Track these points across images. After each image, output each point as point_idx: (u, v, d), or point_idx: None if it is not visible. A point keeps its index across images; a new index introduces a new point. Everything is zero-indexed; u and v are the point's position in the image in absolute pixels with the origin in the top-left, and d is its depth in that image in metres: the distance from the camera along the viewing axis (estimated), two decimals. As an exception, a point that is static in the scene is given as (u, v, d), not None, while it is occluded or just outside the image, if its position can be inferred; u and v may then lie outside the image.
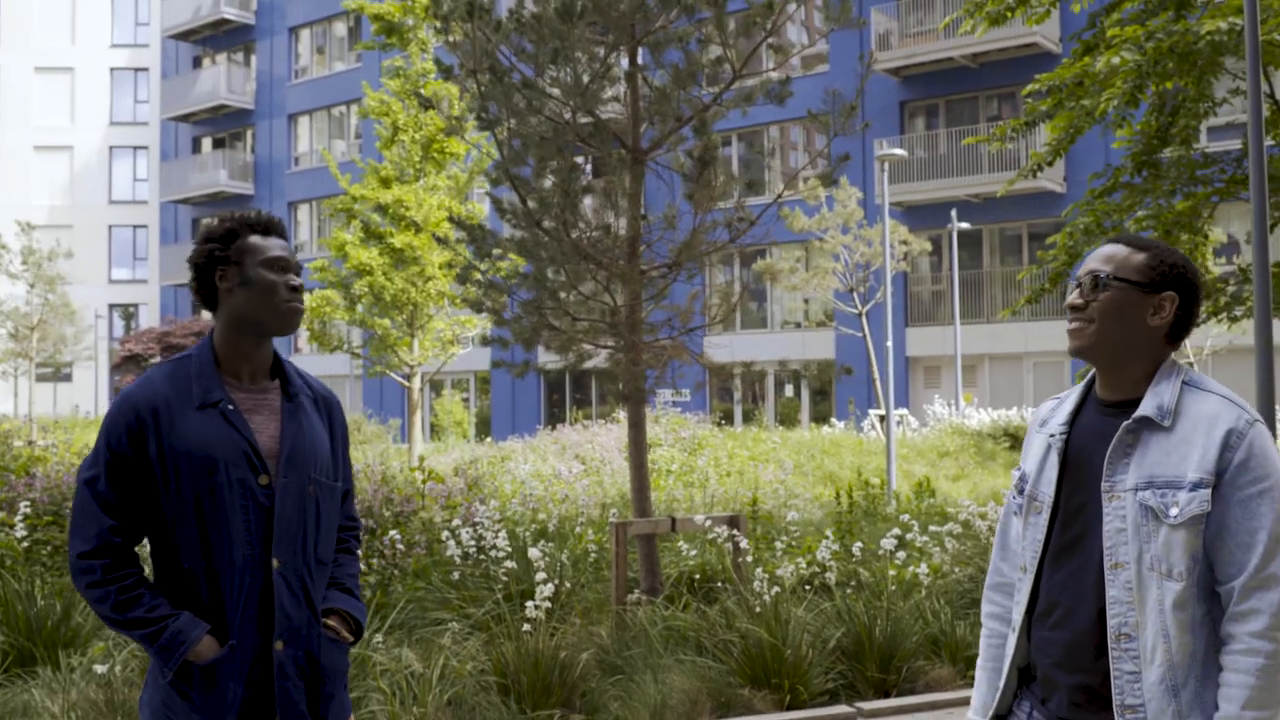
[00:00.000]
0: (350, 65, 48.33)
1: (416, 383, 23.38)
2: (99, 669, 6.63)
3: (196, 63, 54.53)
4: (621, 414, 24.65)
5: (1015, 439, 25.02)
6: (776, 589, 7.76)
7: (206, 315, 53.26)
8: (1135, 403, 2.61)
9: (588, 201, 8.69)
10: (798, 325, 37.94)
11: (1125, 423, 2.57)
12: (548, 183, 8.53)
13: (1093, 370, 2.77)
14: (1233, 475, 2.46)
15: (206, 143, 54.24)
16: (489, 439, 33.30)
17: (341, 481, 3.30)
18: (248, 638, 3.00)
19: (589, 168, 8.80)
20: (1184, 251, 12.66)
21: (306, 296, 23.22)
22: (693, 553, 9.45)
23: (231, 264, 3.11)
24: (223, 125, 53.00)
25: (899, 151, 20.68)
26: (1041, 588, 2.70)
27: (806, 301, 36.51)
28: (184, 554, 3.00)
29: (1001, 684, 2.79)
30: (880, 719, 7.31)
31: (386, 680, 6.65)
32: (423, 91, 21.41)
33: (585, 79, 8.17)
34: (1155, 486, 2.50)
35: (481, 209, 22.69)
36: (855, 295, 30.74)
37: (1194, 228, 12.26)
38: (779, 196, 8.90)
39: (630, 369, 8.40)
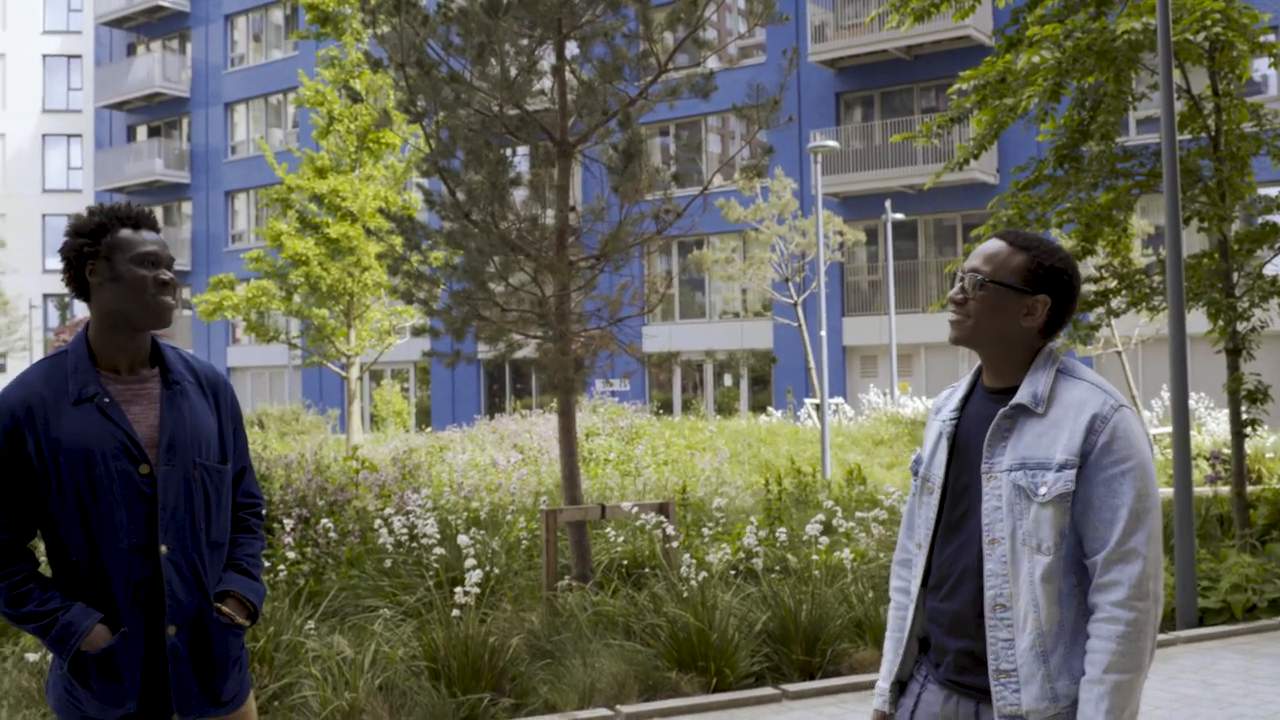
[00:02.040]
0: (287, 53, 47.96)
1: (354, 373, 23.36)
2: (31, 657, 6.67)
3: (131, 50, 53.85)
4: (559, 404, 24.74)
5: (948, 427, 25.33)
6: (704, 574, 7.91)
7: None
8: (1016, 390, 2.80)
9: (517, 193, 8.79)
10: (736, 315, 38.18)
11: (1003, 409, 2.76)
12: (477, 175, 8.62)
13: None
14: (1097, 456, 2.65)
15: (142, 131, 53.59)
16: (429, 429, 33.29)
17: (232, 462, 3.33)
18: (139, 624, 3.06)
19: (518, 160, 8.89)
20: (1106, 243, 12.94)
21: (242, 287, 23.15)
22: (620, 539, 9.58)
23: (101, 259, 3.11)
24: (158, 113, 52.40)
25: (831, 143, 20.92)
26: (933, 562, 2.90)
27: (744, 292, 36.74)
28: (71, 547, 3.06)
29: (902, 652, 2.99)
30: (805, 700, 7.48)
31: (318, 666, 6.73)
32: (357, 82, 21.42)
33: (513, 72, 8.27)
34: (1027, 467, 2.70)
35: (418, 199, 22.70)
36: (791, 285, 30.99)
37: (1114, 220, 12.53)
38: (705, 189, 9.05)
39: (559, 359, 8.53)
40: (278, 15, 49.24)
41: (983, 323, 2.79)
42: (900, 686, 3.02)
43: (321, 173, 21.77)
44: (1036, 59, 10.47)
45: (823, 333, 21.11)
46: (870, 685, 7.74)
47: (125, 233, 3.12)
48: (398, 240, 9.22)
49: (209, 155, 50.23)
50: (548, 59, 8.63)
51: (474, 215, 8.36)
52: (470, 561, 7.26)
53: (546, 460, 18.25)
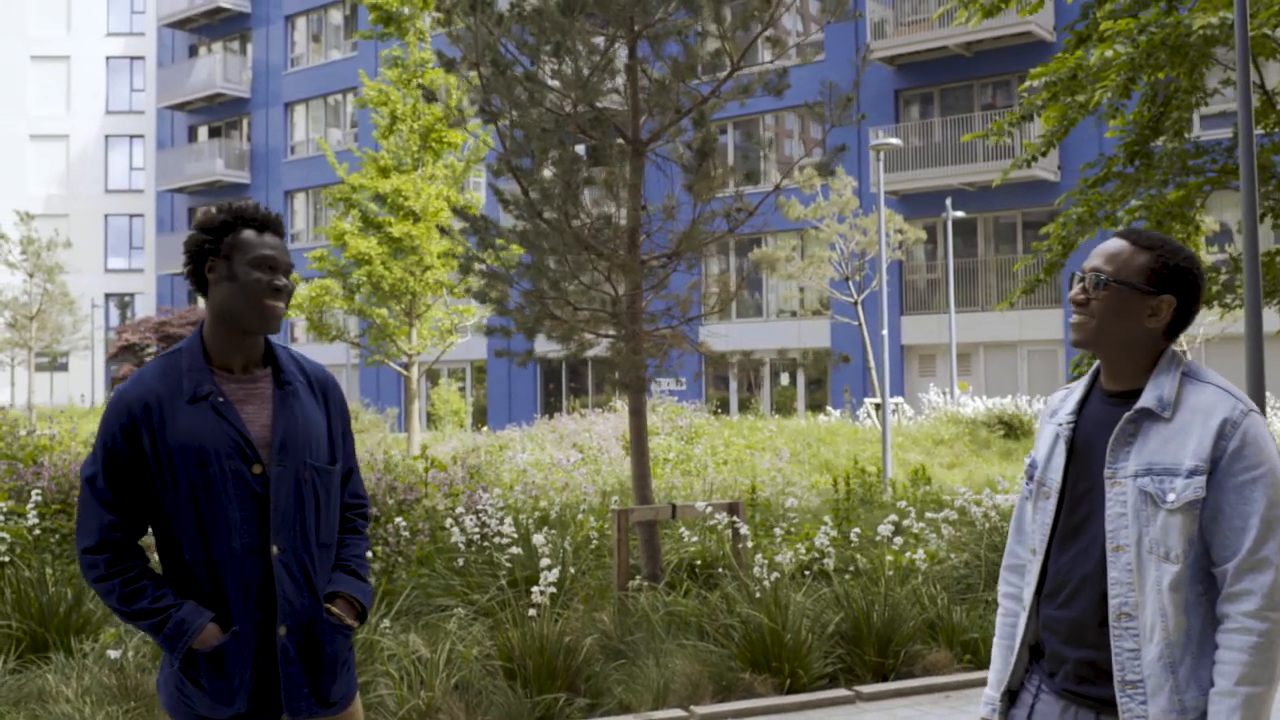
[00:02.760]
0: (346, 54, 48.34)
1: (415, 372, 23.45)
2: (112, 654, 6.74)
3: (192, 51, 54.50)
4: (619, 403, 24.77)
5: (1010, 427, 25.12)
6: (776, 575, 7.88)
7: (203, 305, 53.24)
8: (1137, 393, 2.73)
9: (588, 192, 8.79)
10: (793, 314, 38.04)
11: (1127, 413, 2.69)
12: (548, 173, 8.64)
13: (1098, 361, 2.89)
14: (1228, 463, 2.58)
15: (203, 131, 54.22)
16: (485, 428, 33.42)
17: (340, 463, 3.33)
18: (250, 624, 3.07)
19: (586, 159, 8.89)
20: (1176, 241, 12.79)
21: (304, 286, 23.33)
22: (694, 539, 9.57)
23: (220, 257, 3.12)
24: (219, 114, 52.98)
25: (894, 141, 20.74)
26: (1049, 569, 2.83)
27: (802, 290, 36.60)
28: (184, 545, 3.07)
29: (1013, 660, 2.93)
30: (879, 702, 7.44)
31: (394, 665, 6.77)
32: (421, 81, 21.50)
33: (585, 71, 8.27)
34: (1154, 473, 2.63)
35: (479, 198, 22.76)
36: (851, 284, 30.84)
37: (1186, 217, 12.38)
38: (778, 186, 9.02)
39: (631, 358, 8.52)
40: (337, 16, 49.62)
41: (1106, 324, 2.74)
42: (1010, 696, 2.95)
43: (384, 172, 21.87)
44: (1110, 54, 10.34)
45: (884, 331, 20.98)
46: (944, 687, 7.72)
47: (248, 234, 3.14)
48: (465, 240, 9.24)
49: (269, 155, 50.73)
50: (621, 57, 8.62)
51: (546, 214, 8.37)
52: (546, 561, 7.27)
53: (607, 460, 18.27)
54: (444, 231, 9.53)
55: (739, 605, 7.76)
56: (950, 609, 8.28)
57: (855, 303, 30.79)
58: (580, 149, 8.83)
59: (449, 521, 9.11)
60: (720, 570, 9.02)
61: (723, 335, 10.30)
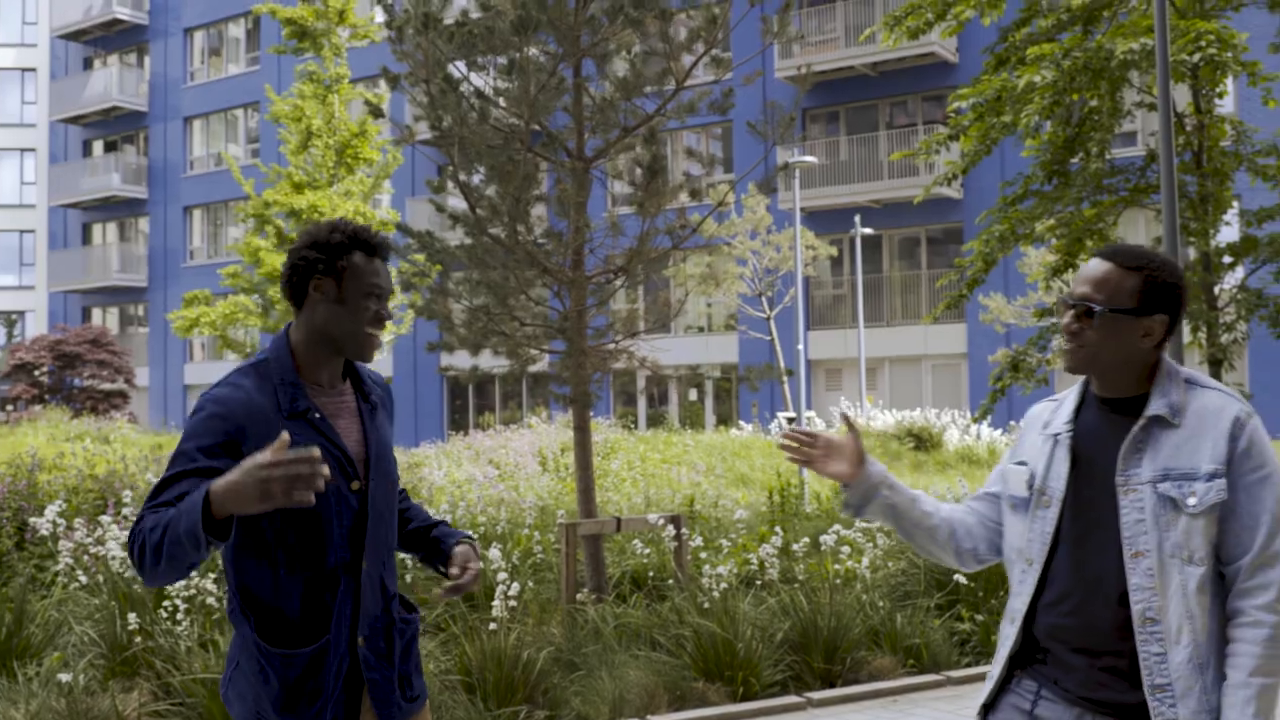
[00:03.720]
0: (246, 68, 47.74)
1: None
2: (63, 678, 6.63)
3: (87, 64, 53.38)
4: (534, 420, 24.78)
5: (919, 439, 25.56)
6: (725, 585, 8.00)
7: (98, 322, 50.81)
8: (1135, 400, 2.80)
9: (535, 209, 8.85)
10: (701, 330, 38.31)
11: (1139, 421, 2.76)
12: (491, 190, 8.69)
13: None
14: (1237, 462, 2.68)
15: (98, 145, 53.06)
16: (394, 445, 33.15)
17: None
18: (342, 638, 2.98)
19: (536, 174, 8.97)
20: (1088, 257, 13.20)
21: (219, 303, 23.00)
22: (646, 552, 9.64)
23: (330, 277, 3.03)
24: (115, 128, 51.92)
25: (810, 159, 21.08)
26: (1050, 577, 2.85)
27: (710, 306, 36.88)
28: (284, 562, 2.96)
29: (998, 673, 2.94)
30: (829, 708, 7.58)
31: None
32: (335, 97, 21.38)
33: (533, 90, 8.33)
34: (1172, 478, 2.69)
35: (395, 214, 22.63)
36: (764, 300, 31.15)
37: (1101, 234, 12.78)
38: (721, 202, 9.17)
39: (578, 373, 8.59)
40: (237, 30, 48.98)
41: (1103, 352, 2.79)
42: (986, 710, 2.96)
43: (299, 188, 21.62)
44: (1037, 78, 10.66)
45: (800, 346, 21.28)
46: (890, 692, 7.90)
47: (359, 258, 3.04)
48: (412, 257, 9.25)
49: (167, 170, 49.82)
50: (569, 75, 8.71)
51: (491, 230, 8.42)
52: (503, 575, 7.30)
53: (523, 476, 18.24)
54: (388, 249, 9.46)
55: (689, 616, 7.85)
56: (893, 615, 8.46)
57: (769, 318, 31.11)
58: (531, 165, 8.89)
59: (393, 538, 9.07)
60: (664, 581, 9.12)
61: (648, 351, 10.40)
